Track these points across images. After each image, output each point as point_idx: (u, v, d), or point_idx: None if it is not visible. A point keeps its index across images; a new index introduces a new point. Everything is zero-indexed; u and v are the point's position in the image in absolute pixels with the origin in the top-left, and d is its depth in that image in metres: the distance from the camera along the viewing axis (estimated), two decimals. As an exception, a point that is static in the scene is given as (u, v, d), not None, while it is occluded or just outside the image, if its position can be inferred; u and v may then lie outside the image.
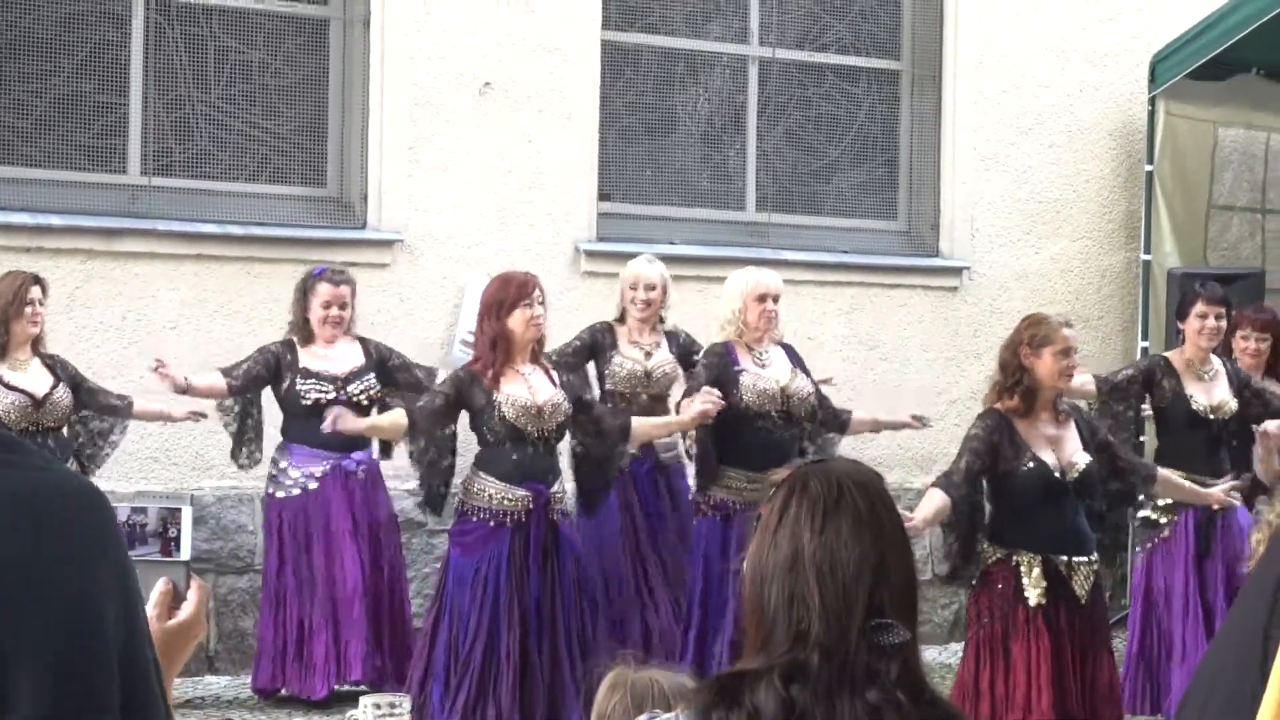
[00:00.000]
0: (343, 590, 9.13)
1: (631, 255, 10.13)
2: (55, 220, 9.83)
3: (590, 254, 10.88)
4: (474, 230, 10.77)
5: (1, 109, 10.02)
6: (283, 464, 9.32)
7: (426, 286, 10.64)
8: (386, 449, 9.57)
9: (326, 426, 8.46)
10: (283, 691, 9.27)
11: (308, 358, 9.34)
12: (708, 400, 8.55)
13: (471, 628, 8.10)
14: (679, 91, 11.76)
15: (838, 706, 2.64)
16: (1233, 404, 9.26)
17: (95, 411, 9.12)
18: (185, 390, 9.08)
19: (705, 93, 11.90)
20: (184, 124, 10.45)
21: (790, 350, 9.23)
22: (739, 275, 9.14)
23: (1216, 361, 9.47)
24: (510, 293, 8.23)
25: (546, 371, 8.42)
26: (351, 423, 8.53)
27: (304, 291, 9.43)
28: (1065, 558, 7.40)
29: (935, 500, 7.31)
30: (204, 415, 9.30)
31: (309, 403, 9.22)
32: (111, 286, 9.96)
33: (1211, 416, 9.24)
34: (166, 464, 9.58)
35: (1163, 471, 8.08)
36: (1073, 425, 7.62)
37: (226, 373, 9.26)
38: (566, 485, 8.62)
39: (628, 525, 9.60)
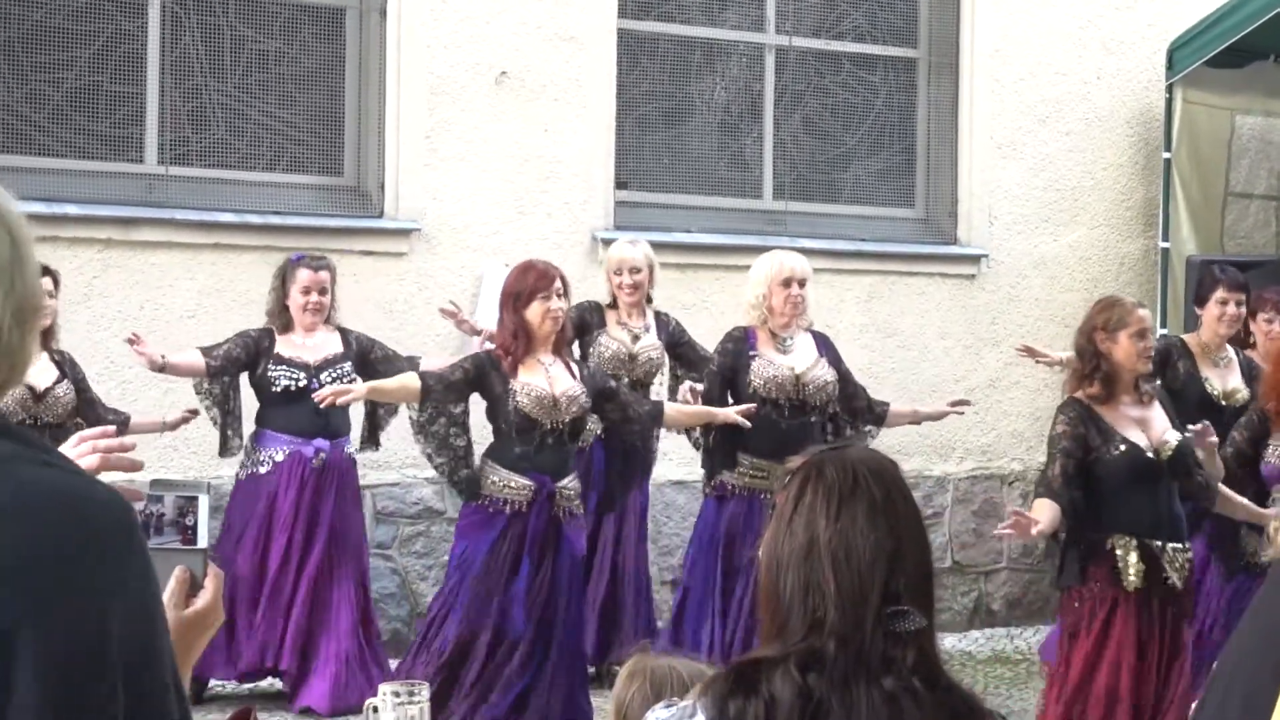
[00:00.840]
0: (267, 577, 9.05)
1: (649, 244, 10.12)
2: (72, 210, 9.84)
3: (608, 243, 10.83)
4: (491, 219, 10.77)
5: (19, 99, 10.04)
6: (254, 449, 9.22)
7: (444, 275, 10.64)
8: (374, 439, 9.51)
9: (322, 400, 8.17)
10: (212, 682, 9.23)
11: (284, 344, 9.24)
12: (744, 414, 8.48)
13: (441, 612, 8.00)
14: (696, 80, 11.76)
15: (854, 694, 2.65)
16: (1245, 392, 9.22)
17: (88, 423, 8.73)
18: (162, 368, 8.98)
19: (722, 81, 11.89)
20: (201, 113, 10.47)
21: (821, 338, 9.09)
22: (764, 259, 9.01)
23: (1230, 349, 9.46)
24: (529, 284, 8.06)
25: (568, 364, 8.26)
26: (350, 394, 8.28)
27: (282, 279, 9.33)
28: (1159, 543, 7.19)
29: (1049, 509, 7.07)
30: (197, 413, 9.19)
31: (278, 389, 9.15)
32: (129, 276, 9.97)
33: (1224, 403, 9.17)
34: (185, 452, 9.58)
35: (1223, 489, 7.64)
36: (1157, 405, 7.43)
37: (206, 352, 9.15)
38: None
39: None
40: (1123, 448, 7.18)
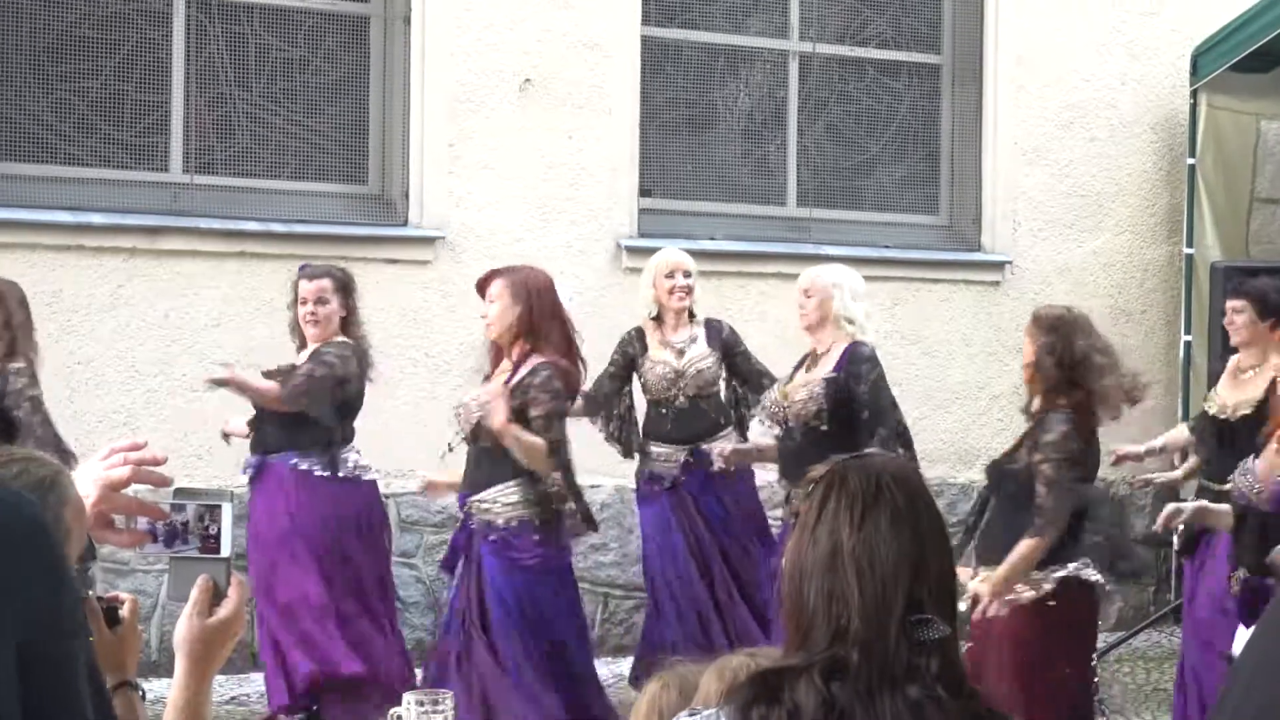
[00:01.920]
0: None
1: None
2: (97, 219, 9.87)
3: (631, 250, 10.87)
4: (515, 227, 10.77)
5: (44, 108, 10.07)
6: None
7: (468, 283, 10.55)
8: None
9: (425, 493, 8.34)
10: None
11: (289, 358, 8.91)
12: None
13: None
14: (719, 87, 11.75)
15: (878, 703, 2.64)
16: (1247, 408, 8.68)
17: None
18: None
19: (746, 88, 11.88)
20: (225, 122, 10.48)
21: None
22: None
23: (1278, 360, 8.99)
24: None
25: (515, 369, 7.82)
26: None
27: (295, 294, 8.88)
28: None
29: None
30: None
31: None
32: (154, 284, 9.99)
33: (1221, 417, 8.74)
34: (210, 460, 9.57)
35: (1027, 543, 7.07)
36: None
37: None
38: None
39: (692, 543, 9.16)
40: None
